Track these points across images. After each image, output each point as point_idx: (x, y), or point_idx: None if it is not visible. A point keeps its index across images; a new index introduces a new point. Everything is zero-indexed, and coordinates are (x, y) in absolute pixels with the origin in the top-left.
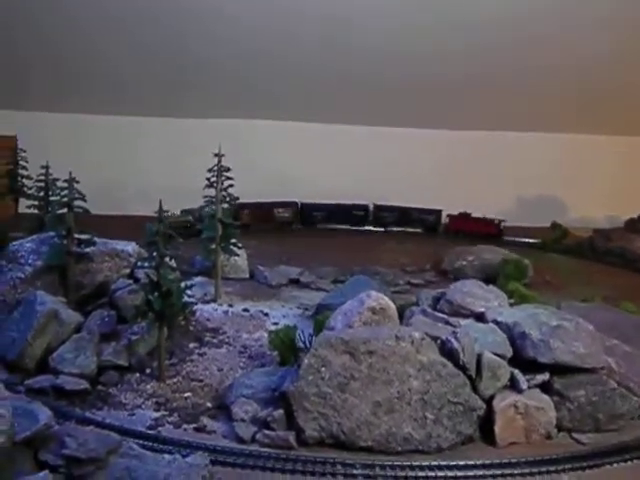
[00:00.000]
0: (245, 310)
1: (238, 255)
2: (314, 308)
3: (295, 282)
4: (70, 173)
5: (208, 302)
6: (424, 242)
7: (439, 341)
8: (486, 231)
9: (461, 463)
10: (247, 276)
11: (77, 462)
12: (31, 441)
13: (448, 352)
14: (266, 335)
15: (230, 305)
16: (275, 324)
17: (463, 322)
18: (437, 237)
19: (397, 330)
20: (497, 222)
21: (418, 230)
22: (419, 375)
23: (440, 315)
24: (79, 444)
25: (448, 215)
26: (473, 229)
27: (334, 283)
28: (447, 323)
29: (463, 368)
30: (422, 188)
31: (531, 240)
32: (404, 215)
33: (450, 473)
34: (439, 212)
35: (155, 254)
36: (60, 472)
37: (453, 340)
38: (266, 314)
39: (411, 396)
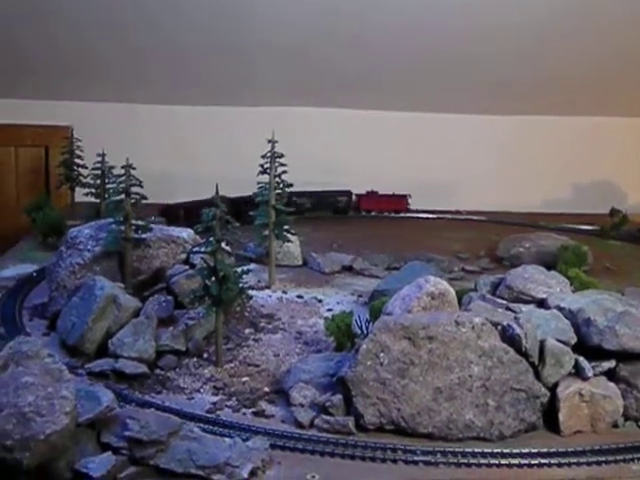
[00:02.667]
0: (299, 297)
1: (291, 242)
2: (368, 295)
3: (348, 269)
4: (127, 159)
5: (262, 289)
6: (478, 229)
7: (500, 327)
8: (395, 207)
9: (525, 451)
10: (300, 263)
11: (139, 444)
12: (94, 423)
13: (510, 338)
14: (321, 321)
15: (284, 292)
16: (329, 310)
17: (524, 308)
18: (350, 218)
19: (457, 315)
20: (405, 197)
21: (328, 214)
22: (480, 361)
23: (500, 301)
24: (141, 426)
25: (356, 195)
26: (383, 207)
27: (387, 270)
28: (508, 309)
29: (525, 355)
30: (470, 174)
31: (589, 227)
32: (319, 200)
33: (514, 461)
34: (350, 193)
35: (212, 239)
36: (122, 454)
37: (515, 326)
38: (320, 301)
39: (472, 382)
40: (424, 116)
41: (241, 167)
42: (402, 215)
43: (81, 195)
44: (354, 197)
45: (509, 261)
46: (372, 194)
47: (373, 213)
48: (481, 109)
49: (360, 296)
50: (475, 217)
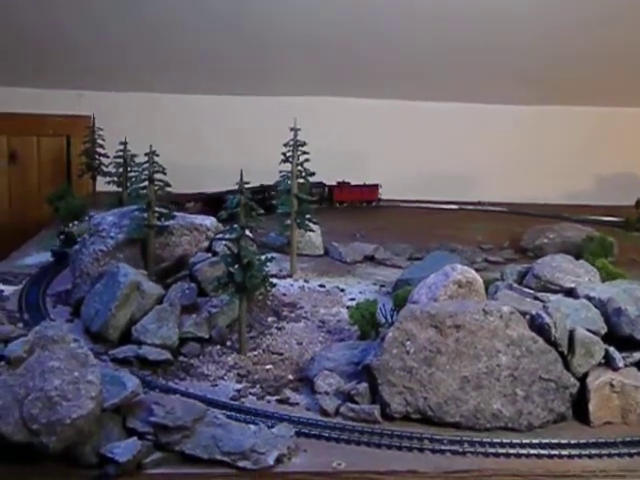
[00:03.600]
0: (321, 286)
1: (313, 231)
2: (391, 285)
3: (370, 259)
4: (150, 147)
5: (283, 277)
6: (500, 220)
7: (528, 316)
8: (368, 197)
9: (554, 441)
10: (321, 253)
11: (165, 430)
12: (119, 408)
13: (538, 327)
14: (343, 310)
15: (306, 281)
16: (352, 300)
17: (552, 297)
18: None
19: (485, 304)
20: (377, 187)
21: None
22: (508, 350)
23: (527, 290)
24: (166, 412)
25: (327, 186)
26: (355, 197)
27: (410, 260)
28: (536, 298)
29: (555, 344)
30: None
31: (613, 218)
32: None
33: (543, 451)
34: (323, 185)
35: (236, 226)
36: (148, 439)
37: (544, 315)
38: (342, 290)
39: (500, 372)
40: (444, 106)
41: (258, 157)
42: (423, 206)
43: (102, 185)
44: (326, 189)
45: (533, 252)
46: (344, 185)
47: (345, 205)
48: (501, 99)
49: (382, 286)
50: (497, 208)
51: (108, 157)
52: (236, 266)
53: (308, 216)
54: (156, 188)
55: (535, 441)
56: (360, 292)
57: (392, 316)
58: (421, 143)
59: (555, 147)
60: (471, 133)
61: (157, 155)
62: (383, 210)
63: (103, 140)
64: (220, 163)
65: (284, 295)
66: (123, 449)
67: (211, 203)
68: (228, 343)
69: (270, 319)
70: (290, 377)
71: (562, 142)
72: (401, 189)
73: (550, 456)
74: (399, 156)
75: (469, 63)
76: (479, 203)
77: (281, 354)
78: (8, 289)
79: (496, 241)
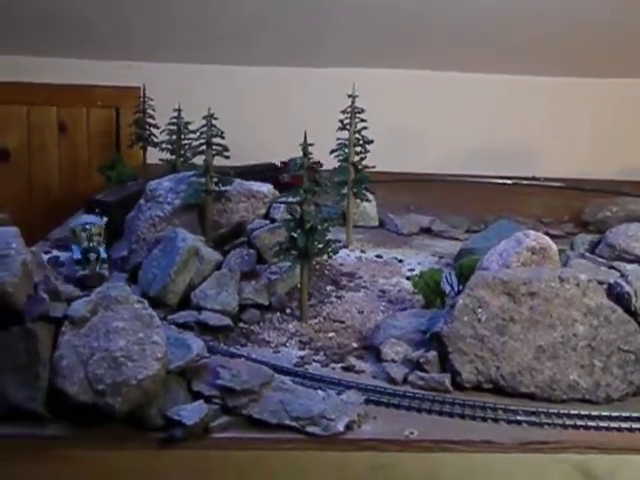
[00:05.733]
0: (378, 256)
1: (370, 201)
2: (450, 256)
3: (426, 231)
4: (209, 109)
5: (340, 248)
6: (558, 195)
7: (605, 285)
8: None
9: (634, 415)
10: (376, 224)
11: (231, 393)
12: (184, 371)
13: (617, 297)
14: (403, 280)
15: (362, 251)
16: (411, 270)
17: (629, 267)
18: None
19: (560, 271)
20: (317, 163)
21: None
22: (585, 320)
23: (600, 260)
24: (232, 375)
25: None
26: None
27: (467, 232)
28: (611, 267)
29: (635, 314)
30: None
31: None
32: (244, 175)
33: (624, 425)
34: (275, 166)
35: (299, 189)
36: (214, 402)
37: (624, 284)
38: (400, 261)
39: (577, 342)
40: (499, 78)
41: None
42: (477, 181)
43: (153, 157)
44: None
45: (595, 226)
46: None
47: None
48: (556, 71)
49: (442, 257)
50: (553, 184)
51: (158, 128)
52: (298, 231)
53: (365, 185)
54: (214, 152)
55: (615, 414)
56: (419, 263)
57: (459, 284)
58: (473, 118)
59: (614, 122)
60: (526, 107)
61: (215, 118)
62: (435, 185)
63: (153, 110)
64: (267, 138)
65: (341, 265)
66: (190, 412)
67: (263, 173)
68: (288, 311)
69: (329, 288)
70: (354, 345)
71: (620, 117)
72: (453, 164)
73: (632, 429)
74: (450, 131)
75: (524, 33)
76: (534, 178)
77: (343, 322)
78: (64, 255)
79: (555, 216)
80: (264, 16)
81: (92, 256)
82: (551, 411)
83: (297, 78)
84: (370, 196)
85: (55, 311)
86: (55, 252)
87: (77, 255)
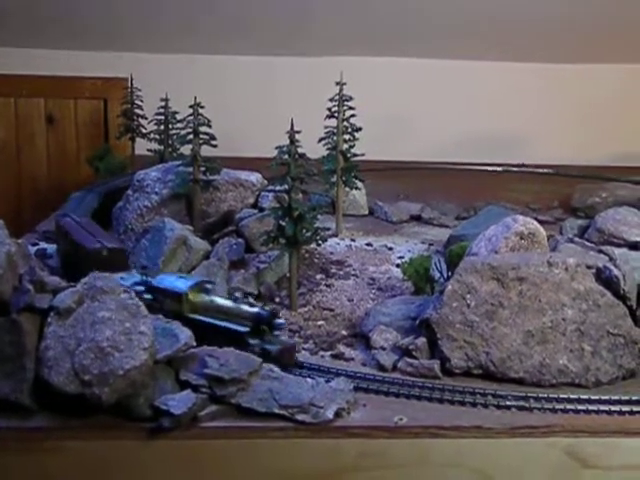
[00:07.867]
0: (368, 244)
1: (359, 189)
2: (439, 244)
3: (416, 218)
4: (195, 98)
5: (329, 236)
6: (547, 182)
7: (594, 269)
8: None
9: (624, 398)
10: (366, 212)
11: (220, 382)
12: (171, 360)
13: (605, 280)
14: (393, 268)
15: (352, 239)
16: (400, 258)
17: (617, 251)
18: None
19: (549, 256)
20: None
21: None
22: (574, 304)
23: (589, 244)
24: (220, 364)
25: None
26: None
27: (457, 220)
28: (600, 251)
29: (623, 298)
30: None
31: None
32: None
33: (614, 408)
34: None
35: (287, 177)
36: (202, 392)
37: (612, 267)
38: (390, 248)
39: (566, 326)
40: (487, 65)
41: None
42: (466, 168)
43: (141, 148)
44: None
45: (584, 211)
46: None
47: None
48: (544, 57)
49: (431, 244)
50: (542, 170)
51: (146, 119)
52: (287, 219)
53: (354, 173)
54: (201, 142)
55: (605, 397)
56: (409, 250)
57: (448, 271)
58: (461, 105)
59: (600, 107)
60: (513, 93)
61: (202, 107)
62: (425, 172)
63: (141, 101)
64: (254, 127)
65: (331, 253)
66: (178, 401)
67: None
68: (277, 299)
69: (319, 276)
70: (343, 333)
71: (607, 102)
72: (442, 152)
73: (622, 412)
74: (438, 119)
75: (509, 22)
76: (522, 165)
77: (332, 310)
78: (51, 247)
79: (544, 202)
80: (250, 6)
81: None
82: (541, 396)
83: (284, 67)
84: (359, 184)
85: (41, 302)
86: (42, 244)
87: None
